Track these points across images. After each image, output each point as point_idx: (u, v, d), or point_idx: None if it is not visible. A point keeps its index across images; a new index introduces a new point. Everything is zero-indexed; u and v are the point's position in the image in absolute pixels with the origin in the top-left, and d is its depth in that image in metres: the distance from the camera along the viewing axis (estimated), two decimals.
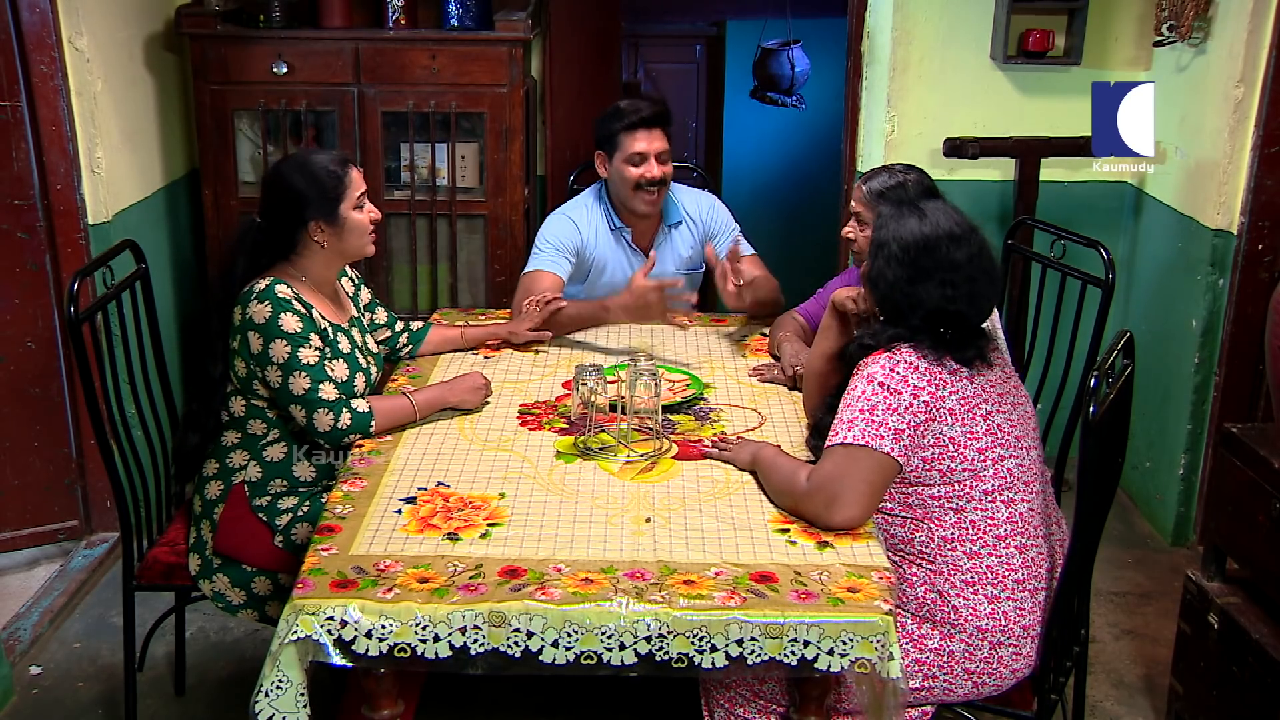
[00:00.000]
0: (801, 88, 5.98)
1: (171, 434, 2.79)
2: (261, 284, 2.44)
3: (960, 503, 2.15)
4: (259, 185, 3.76)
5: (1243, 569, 2.60)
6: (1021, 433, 2.20)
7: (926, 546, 2.17)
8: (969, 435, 2.13)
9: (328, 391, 2.41)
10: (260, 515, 2.47)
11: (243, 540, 2.48)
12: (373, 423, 2.46)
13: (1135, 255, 3.98)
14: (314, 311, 2.48)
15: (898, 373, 2.11)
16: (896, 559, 2.19)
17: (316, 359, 2.42)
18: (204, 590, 2.52)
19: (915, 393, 2.10)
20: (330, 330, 2.51)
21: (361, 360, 2.57)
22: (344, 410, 2.43)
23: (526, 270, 3.20)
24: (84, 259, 3.31)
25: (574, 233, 3.24)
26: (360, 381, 2.53)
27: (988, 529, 2.15)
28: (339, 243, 2.53)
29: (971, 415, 2.13)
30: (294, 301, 2.43)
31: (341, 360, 2.49)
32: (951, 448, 2.12)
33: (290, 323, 2.41)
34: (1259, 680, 2.41)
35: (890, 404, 2.09)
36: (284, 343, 2.40)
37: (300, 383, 2.40)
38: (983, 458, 2.14)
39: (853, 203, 2.72)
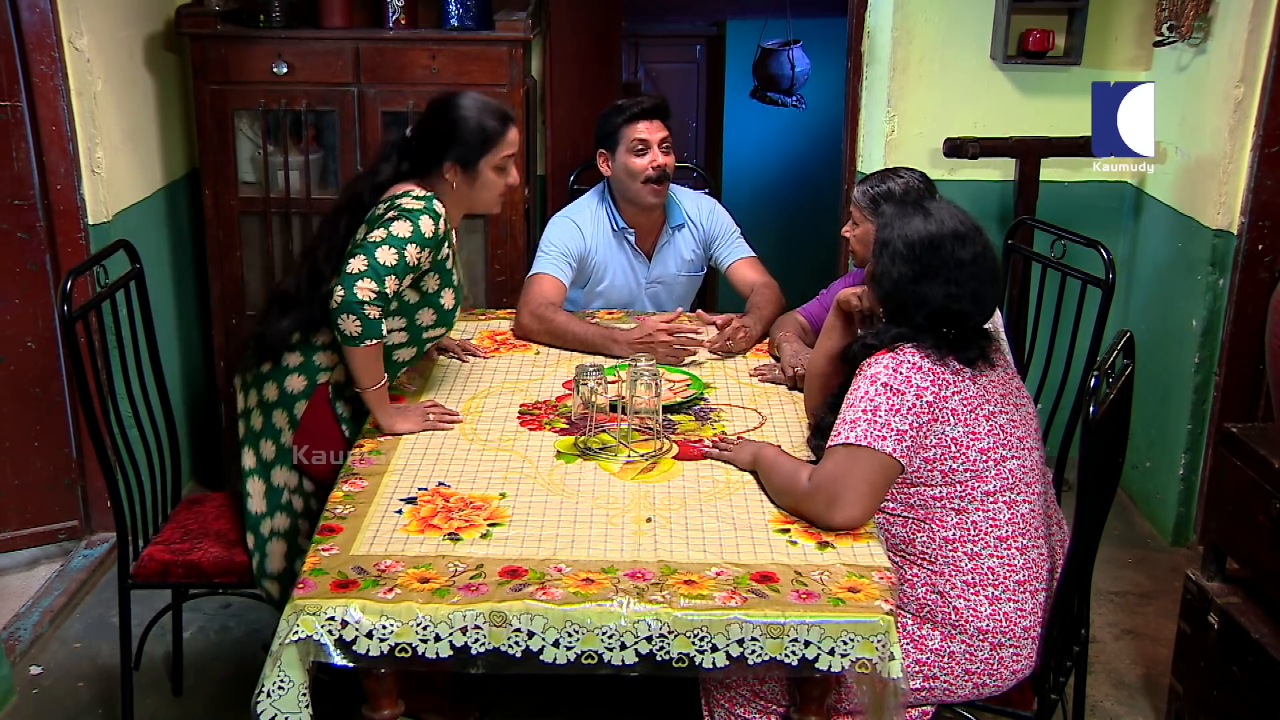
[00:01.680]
0: (801, 88, 5.98)
1: (168, 433, 2.79)
2: (422, 191, 2.52)
3: (962, 503, 2.15)
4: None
5: (1243, 569, 2.60)
6: (1024, 433, 2.20)
7: (928, 547, 2.17)
8: (971, 436, 2.13)
9: (391, 284, 2.42)
10: (341, 424, 2.53)
11: (318, 441, 2.52)
12: (372, 339, 2.42)
13: (1135, 255, 3.98)
14: (445, 245, 2.55)
15: (900, 373, 2.11)
16: (898, 559, 2.19)
17: (406, 263, 2.44)
18: (258, 562, 2.52)
19: (918, 393, 2.09)
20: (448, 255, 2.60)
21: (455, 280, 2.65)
22: (379, 301, 2.40)
23: (531, 273, 3.21)
24: (84, 259, 3.30)
25: (578, 237, 3.24)
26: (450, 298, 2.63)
27: (989, 530, 2.15)
28: (468, 191, 2.58)
29: (974, 415, 2.13)
30: (442, 221, 2.50)
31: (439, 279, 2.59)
32: (954, 448, 2.12)
33: (427, 226, 2.46)
34: (1259, 680, 2.41)
35: (893, 404, 2.09)
36: (408, 225, 2.44)
37: (386, 255, 2.41)
38: (985, 458, 2.14)
39: (851, 206, 2.74)
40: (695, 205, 3.40)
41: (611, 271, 3.32)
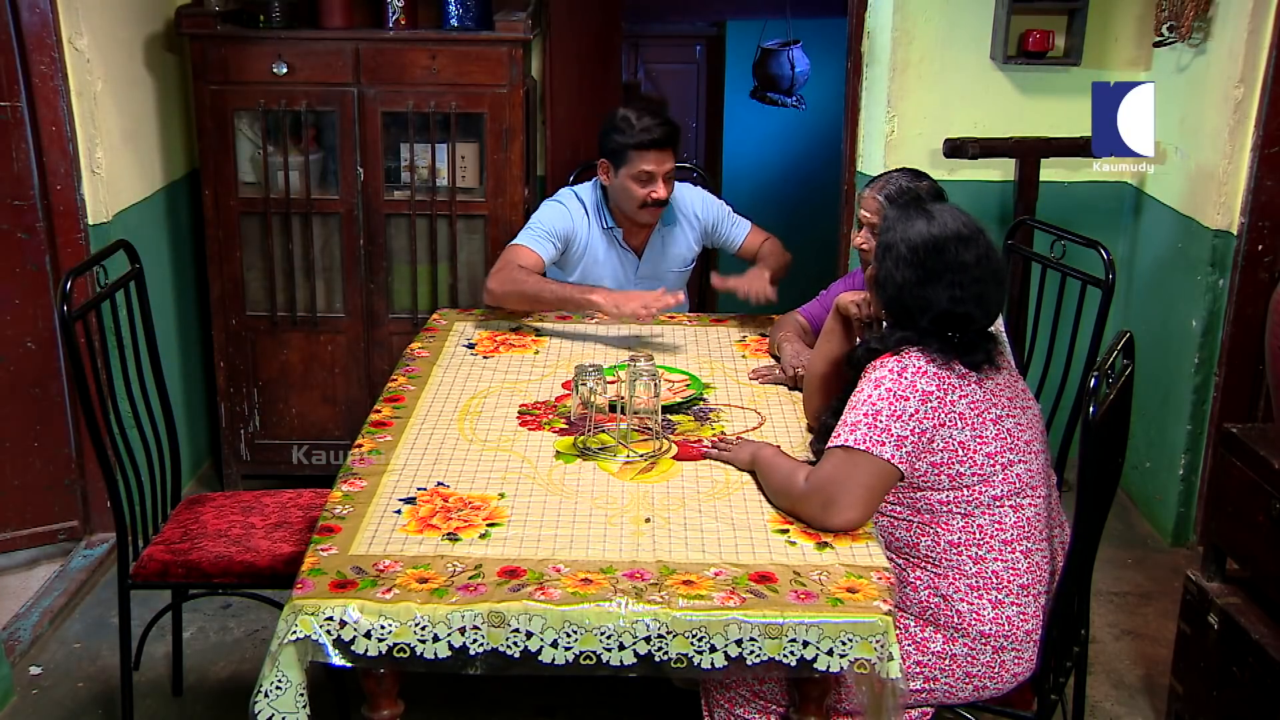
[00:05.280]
0: (801, 88, 5.98)
1: (168, 433, 2.79)
2: None
3: (968, 508, 2.14)
4: (260, 185, 3.79)
5: (1243, 569, 2.60)
6: (1030, 437, 2.20)
7: (932, 550, 2.16)
8: (978, 440, 2.12)
9: None
10: None
11: None
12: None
13: (1135, 255, 3.98)
14: None
15: (905, 378, 2.10)
16: (901, 562, 2.19)
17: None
18: None
19: (923, 398, 2.09)
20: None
21: None
22: None
23: (513, 243, 3.27)
24: (84, 259, 3.30)
25: (566, 220, 3.30)
26: None
27: (995, 533, 2.15)
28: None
29: (981, 419, 2.13)
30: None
31: None
32: (961, 452, 2.11)
33: None
34: (1259, 680, 2.41)
35: (895, 410, 2.08)
36: None
37: None
38: (992, 463, 2.13)
39: (864, 212, 2.68)
40: (686, 199, 3.45)
41: (600, 264, 3.35)
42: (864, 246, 2.68)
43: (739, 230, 3.47)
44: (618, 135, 3.22)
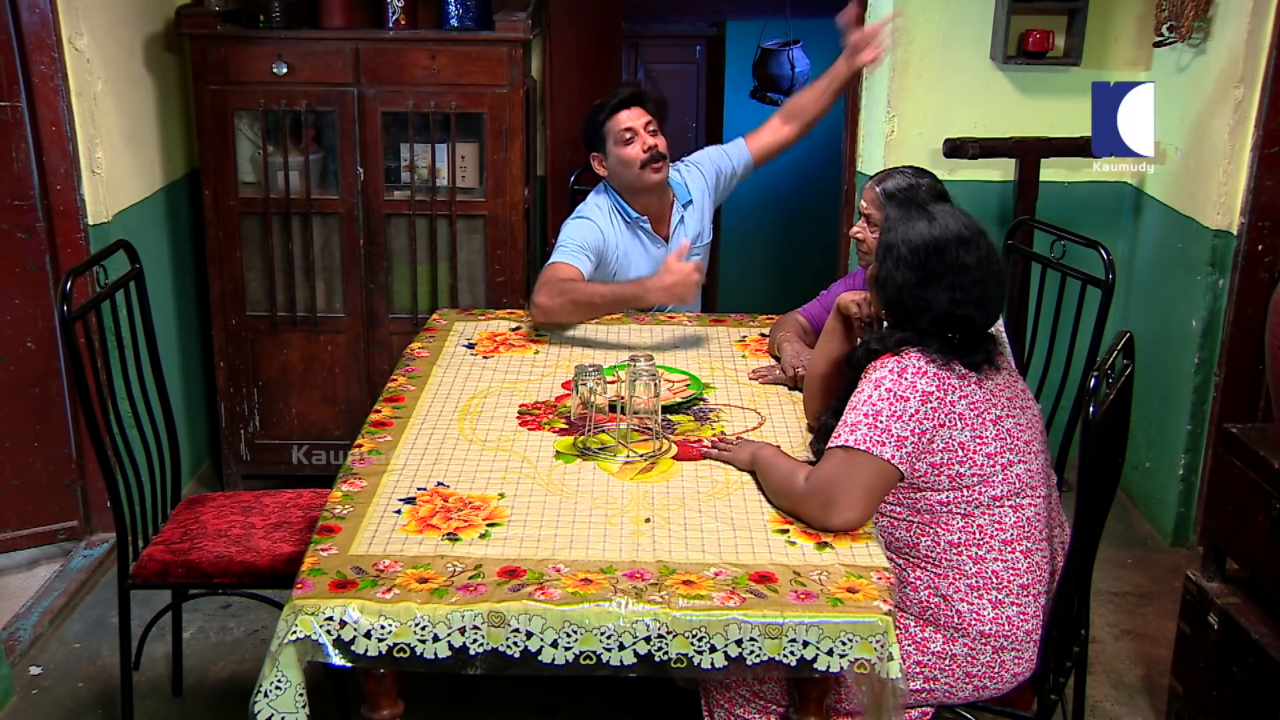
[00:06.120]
0: (801, 88, 5.97)
1: (168, 433, 2.79)
2: None
3: (968, 508, 2.14)
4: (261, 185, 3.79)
5: (1243, 569, 2.60)
6: (1030, 437, 2.20)
7: (932, 551, 2.16)
8: (978, 440, 2.12)
9: None
10: None
11: None
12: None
13: (1135, 255, 3.98)
14: None
15: (905, 378, 2.10)
16: (901, 562, 2.19)
17: None
18: None
19: (923, 399, 2.08)
20: None
21: None
22: None
23: (550, 263, 3.21)
24: (84, 259, 3.30)
25: (596, 233, 3.26)
26: None
27: (994, 534, 2.15)
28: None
29: (981, 420, 2.13)
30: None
31: None
32: (961, 453, 2.11)
33: None
34: (1259, 680, 2.41)
35: (895, 410, 2.08)
36: None
37: None
38: (992, 463, 2.13)
39: (863, 203, 2.69)
40: (692, 173, 3.45)
41: (634, 262, 3.34)
42: (859, 236, 2.70)
43: (737, 149, 3.49)
44: (590, 121, 3.29)
